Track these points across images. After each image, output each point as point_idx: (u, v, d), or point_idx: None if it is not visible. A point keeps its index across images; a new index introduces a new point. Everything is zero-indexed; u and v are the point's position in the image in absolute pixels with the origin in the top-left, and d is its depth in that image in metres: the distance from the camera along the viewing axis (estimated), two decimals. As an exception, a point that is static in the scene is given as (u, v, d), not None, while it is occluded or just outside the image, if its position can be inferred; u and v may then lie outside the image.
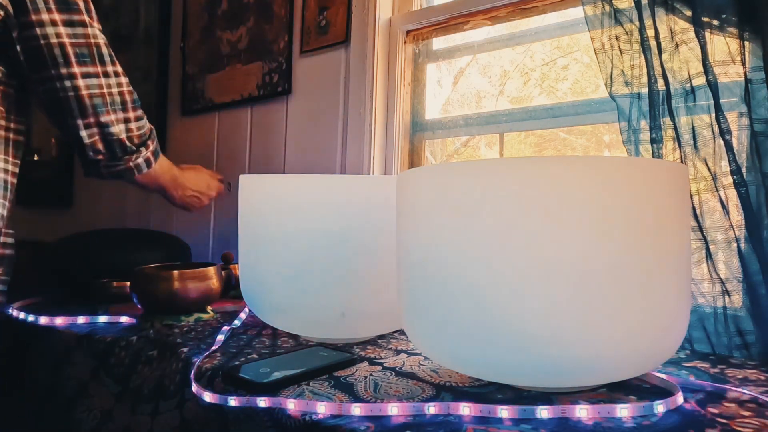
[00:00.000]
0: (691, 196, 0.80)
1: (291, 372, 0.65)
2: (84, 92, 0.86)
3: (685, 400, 0.59)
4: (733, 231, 0.79)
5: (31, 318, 0.99)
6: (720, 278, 0.80)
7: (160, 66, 1.87)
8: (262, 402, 0.58)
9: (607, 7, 0.88)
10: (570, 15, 1.12)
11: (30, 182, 2.04)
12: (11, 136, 0.87)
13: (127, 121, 0.93)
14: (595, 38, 0.89)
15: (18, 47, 0.82)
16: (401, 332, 0.92)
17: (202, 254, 1.68)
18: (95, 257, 1.28)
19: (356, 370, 0.70)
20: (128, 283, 1.10)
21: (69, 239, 1.37)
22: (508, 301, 0.55)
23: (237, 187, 0.90)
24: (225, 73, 1.67)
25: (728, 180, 0.78)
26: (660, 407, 0.55)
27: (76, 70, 0.85)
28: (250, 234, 0.86)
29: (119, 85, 0.92)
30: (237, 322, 0.95)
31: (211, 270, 1.06)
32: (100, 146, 0.90)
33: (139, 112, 0.96)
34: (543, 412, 0.54)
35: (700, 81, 0.80)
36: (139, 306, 1.04)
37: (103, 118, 0.88)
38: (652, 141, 0.84)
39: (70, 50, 0.84)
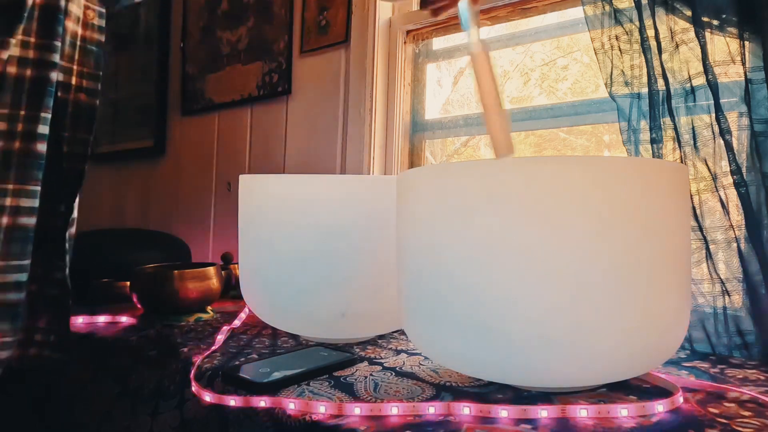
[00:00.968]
0: (691, 196, 0.80)
1: (291, 372, 0.65)
2: None
3: (685, 400, 0.59)
4: (733, 231, 0.79)
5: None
6: (720, 278, 0.80)
7: (160, 66, 1.87)
8: (262, 402, 0.58)
9: (607, 7, 0.88)
10: (570, 15, 1.12)
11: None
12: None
13: None
14: (595, 38, 0.89)
15: None
16: (401, 332, 0.91)
17: (202, 254, 1.68)
18: (95, 257, 1.28)
19: (356, 370, 0.70)
20: (128, 283, 1.10)
21: (69, 239, 1.37)
22: (508, 300, 0.55)
23: (237, 187, 0.90)
24: (225, 73, 1.67)
25: (728, 180, 0.78)
26: (660, 407, 0.55)
27: None
28: (250, 234, 0.86)
29: None
30: (237, 322, 0.95)
31: (211, 270, 1.06)
32: None
33: None
34: (543, 412, 0.54)
35: (700, 81, 0.80)
36: (139, 306, 1.05)
37: None
38: (652, 141, 0.84)
39: None
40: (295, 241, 0.80)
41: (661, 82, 0.83)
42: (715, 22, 0.80)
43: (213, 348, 0.78)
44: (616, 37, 0.87)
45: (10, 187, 0.59)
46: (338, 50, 1.40)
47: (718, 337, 0.80)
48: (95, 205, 2.09)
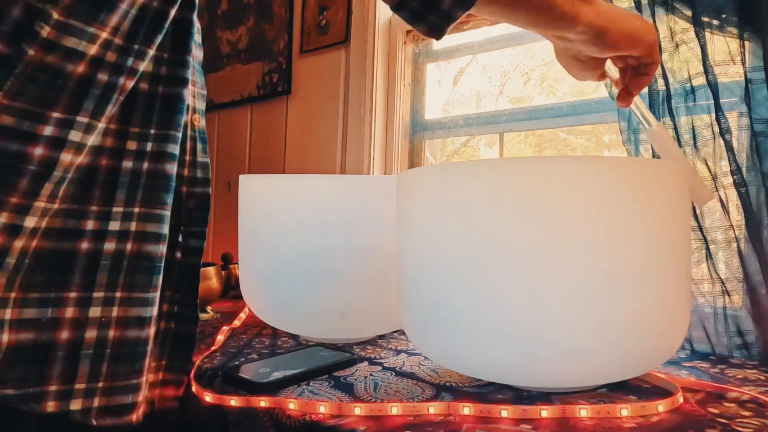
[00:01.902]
0: (691, 196, 0.80)
1: (291, 372, 0.65)
2: None
3: (685, 400, 0.59)
4: (733, 231, 0.79)
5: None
6: (720, 278, 0.80)
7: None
8: (262, 402, 0.58)
9: (607, 7, 0.88)
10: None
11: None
12: None
13: None
14: (595, 38, 0.89)
15: None
16: (401, 332, 0.91)
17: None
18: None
19: (356, 370, 0.70)
20: (128, 283, 1.10)
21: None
22: (508, 300, 0.55)
23: (237, 187, 0.90)
24: (225, 73, 1.67)
25: (728, 180, 0.78)
26: (660, 407, 0.55)
27: None
28: (250, 234, 0.86)
29: None
30: (237, 322, 0.95)
31: (211, 270, 1.06)
32: None
33: None
34: (543, 412, 0.54)
35: (700, 81, 0.80)
36: (139, 306, 1.04)
37: None
38: (652, 141, 0.84)
39: None
40: (295, 241, 0.80)
41: (661, 82, 0.83)
42: (715, 22, 0.80)
43: (213, 348, 0.78)
44: (616, 37, 0.87)
45: (136, 210, 0.54)
46: (338, 50, 1.40)
47: (718, 337, 0.80)
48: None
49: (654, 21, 0.83)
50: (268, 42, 1.56)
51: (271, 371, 0.65)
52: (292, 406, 0.57)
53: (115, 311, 0.52)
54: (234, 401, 0.60)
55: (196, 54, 0.61)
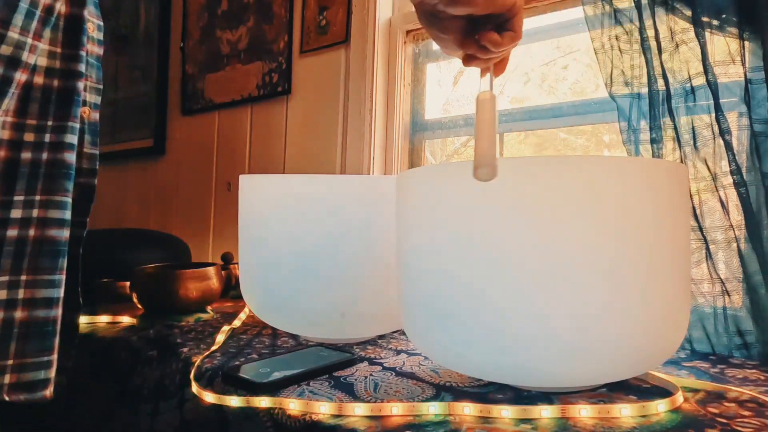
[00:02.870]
0: (691, 196, 0.80)
1: (291, 372, 0.65)
2: None
3: (685, 400, 0.59)
4: (733, 231, 0.79)
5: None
6: (720, 278, 0.80)
7: (160, 66, 1.87)
8: (262, 402, 0.58)
9: (607, 7, 0.88)
10: (570, 15, 1.12)
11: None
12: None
13: None
14: (595, 38, 0.89)
15: None
16: (401, 332, 0.91)
17: (202, 254, 1.68)
18: (95, 257, 1.28)
19: (356, 370, 0.70)
20: (128, 283, 1.10)
21: (69, 239, 1.37)
22: (508, 300, 0.55)
23: (237, 187, 0.90)
24: (225, 73, 1.67)
25: (728, 180, 0.78)
26: (660, 407, 0.55)
27: None
28: (250, 234, 0.86)
29: None
30: (237, 322, 0.95)
31: (211, 270, 1.06)
32: None
33: None
34: (543, 412, 0.54)
35: (700, 81, 0.80)
36: (139, 306, 1.05)
37: None
38: (652, 141, 0.84)
39: None
40: (295, 241, 0.80)
41: (661, 82, 0.83)
42: (715, 22, 0.80)
43: (213, 348, 0.78)
44: (616, 37, 0.87)
45: (38, 198, 0.57)
46: (338, 50, 1.40)
47: (718, 337, 0.80)
48: (95, 205, 2.09)
49: (654, 21, 0.83)
50: (268, 42, 1.56)
51: (271, 371, 0.65)
52: (292, 406, 0.57)
53: (21, 293, 0.55)
54: (234, 401, 0.60)
55: (92, 49, 0.64)
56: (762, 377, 0.68)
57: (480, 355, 0.58)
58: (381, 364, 0.73)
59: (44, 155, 0.57)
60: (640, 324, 0.56)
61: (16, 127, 0.56)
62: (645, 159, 0.82)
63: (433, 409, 0.55)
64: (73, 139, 0.59)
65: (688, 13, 0.81)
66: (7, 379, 0.55)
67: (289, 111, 1.52)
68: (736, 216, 0.79)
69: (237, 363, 0.71)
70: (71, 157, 0.59)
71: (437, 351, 0.64)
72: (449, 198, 0.58)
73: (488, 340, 0.56)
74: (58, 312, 0.58)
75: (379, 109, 1.34)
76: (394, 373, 0.68)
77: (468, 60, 0.56)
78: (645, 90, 0.85)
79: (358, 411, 0.55)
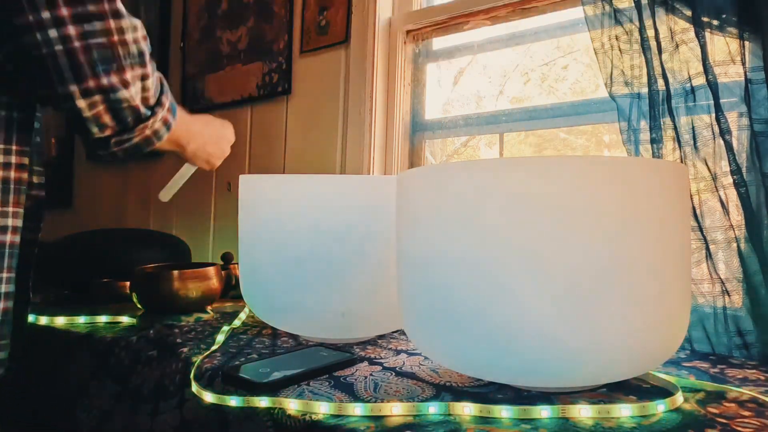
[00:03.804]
0: (691, 196, 0.80)
1: (291, 372, 0.65)
2: (77, 44, 0.58)
3: (685, 400, 0.59)
4: (733, 231, 0.79)
5: (30, 318, 0.99)
6: (720, 278, 0.80)
7: (160, 66, 1.87)
8: (262, 402, 0.58)
9: (607, 7, 0.88)
10: (570, 15, 1.12)
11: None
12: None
13: (144, 78, 0.67)
14: (595, 38, 0.89)
15: None
16: (401, 332, 0.92)
17: (202, 254, 1.68)
18: (95, 257, 1.28)
19: (356, 370, 0.70)
20: (128, 283, 1.10)
21: (69, 239, 1.37)
22: (508, 300, 0.55)
23: (237, 187, 0.90)
24: (225, 73, 1.67)
25: (728, 180, 0.78)
26: (660, 407, 0.55)
27: (64, 12, 0.57)
28: (250, 234, 0.86)
29: (132, 29, 0.63)
30: (237, 322, 0.95)
31: (211, 270, 1.06)
32: (106, 118, 0.64)
33: (153, 62, 0.71)
34: (543, 412, 0.54)
35: (700, 81, 0.80)
36: (139, 306, 1.05)
37: (107, 80, 0.61)
38: (652, 141, 0.84)
39: None
40: (295, 241, 0.80)
41: (661, 82, 0.83)
42: (715, 22, 0.80)
43: (213, 348, 0.78)
44: (616, 37, 0.87)
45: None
46: (338, 50, 1.40)
47: (718, 337, 0.80)
48: (95, 205, 2.09)
49: (654, 21, 0.83)
50: (268, 42, 1.56)
51: (271, 371, 0.65)
52: (292, 406, 0.57)
53: None
54: (234, 401, 0.60)
55: None
56: (762, 377, 0.68)
57: (480, 355, 0.58)
58: (381, 364, 0.73)
59: (12, 174, 0.67)
60: (640, 324, 0.56)
61: None
62: (645, 159, 0.82)
63: (433, 409, 0.55)
64: (28, 161, 0.70)
65: (688, 13, 0.81)
66: None
67: (289, 111, 1.52)
68: (736, 216, 0.79)
69: (237, 363, 0.71)
70: (28, 176, 0.71)
71: (437, 351, 0.64)
72: (449, 198, 0.58)
73: (488, 340, 0.56)
74: (9, 304, 0.69)
75: (379, 109, 1.34)
76: (394, 373, 0.68)
77: None
78: (645, 90, 0.85)
79: (358, 411, 0.55)
